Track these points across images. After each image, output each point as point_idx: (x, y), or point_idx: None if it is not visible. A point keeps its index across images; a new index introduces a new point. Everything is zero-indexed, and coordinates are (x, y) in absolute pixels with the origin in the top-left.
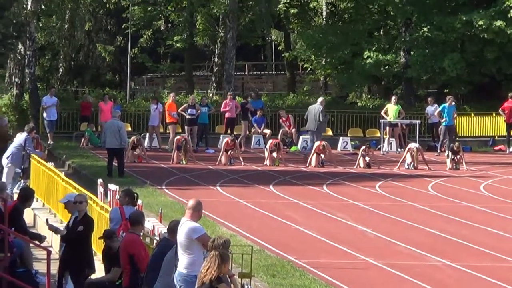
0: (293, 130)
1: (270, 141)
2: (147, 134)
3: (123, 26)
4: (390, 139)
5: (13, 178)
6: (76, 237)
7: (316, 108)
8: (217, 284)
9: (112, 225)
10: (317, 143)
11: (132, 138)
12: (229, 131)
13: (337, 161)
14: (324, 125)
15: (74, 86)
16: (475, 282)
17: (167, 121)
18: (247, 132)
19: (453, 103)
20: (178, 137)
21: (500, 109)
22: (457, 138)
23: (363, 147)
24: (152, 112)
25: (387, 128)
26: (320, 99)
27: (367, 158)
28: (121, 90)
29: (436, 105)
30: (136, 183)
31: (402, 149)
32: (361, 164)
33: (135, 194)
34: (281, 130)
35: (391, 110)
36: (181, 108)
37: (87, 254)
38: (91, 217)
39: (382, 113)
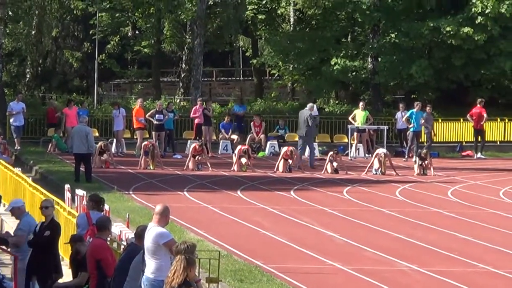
0: (262, 136)
1: (239, 147)
2: (114, 140)
3: (90, 32)
4: (358, 144)
5: None
6: (43, 242)
7: (304, 113)
8: None
9: (79, 231)
10: (284, 149)
11: (99, 143)
12: (198, 137)
13: (304, 166)
14: (314, 130)
15: (41, 91)
16: (443, 287)
17: (134, 126)
18: (211, 137)
19: (428, 109)
20: (145, 142)
21: (468, 115)
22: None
23: (331, 153)
24: (115, 117)
25: (355, 133)
26: (310, 104)
27: (334, 164)
28: (88, 95)
29: (406, 111)
30: (104, 188)
31: (370, 155)
32: (329, 170)
33: (101, 199)
34: (249, 136)
35: (359, 116)
36: (149, 113)
37: (54, 258)
38: (57, 222)
39: (350, 118)
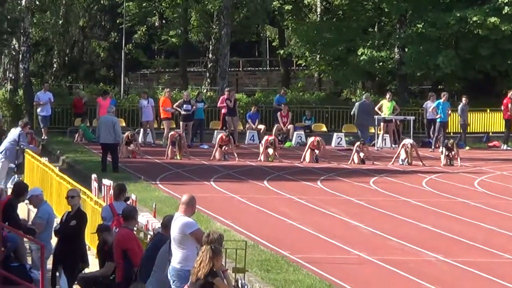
0: (290, 126)
1: (265, 137)
2: (141, 130)
3: (117, 22)
4: (384, 135)
5: (7, 173)
6: (69, 232)
7: (369, 104)
8: (212, 279)
9: (105, 223)
10: (311, 139)
11: (126, 133)
12: (224, 127)
13: (331, 157)
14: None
15: (68, 81)
16: (468, 277)
17: (161, 116)
18: (236, 127)
19: (464, 100)
20: (172, 132)
21: (503, 105)
22: (451, 134)
23: (358, 143)
24: (144, 107)
25: (382, 124)
26: (367, 94)
27: (361, 154)
28: (115, 85)
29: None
30: (130, 178)
31: (396, 145)
32: (356, 160)
33: (121, 189)
34: (275, 126)
35: (386, 106)
36: (176, 104)
37: (80, 248)
38: (84, 211)
39: (376, 108)
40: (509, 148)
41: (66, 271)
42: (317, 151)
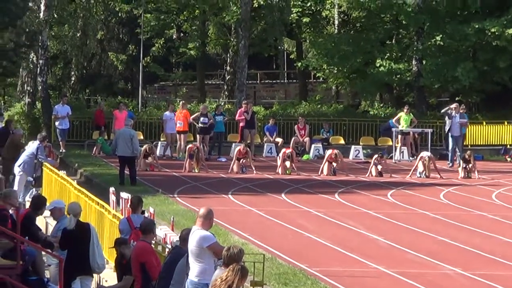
0: (307, 139)
1: (283, 150)
2: (159, 142)
3: (135, 31)
4: (402, 147)
5: (25, 186)
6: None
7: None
8: None
9: (122, 236)
10: (329, 152)
11: (144, 146)
12: (242, 140)
13: (349, 169)
14: None
15: (86, 94)
16: None
17: (177, 129)
18: (253, 140)
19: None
20: (190, 145)
21: None
22: (469, 147)
23: (376, 156)
24: (168, 120)
25: (399, 136)
26: (454, 105)
27: (379, 167)
28: (133, 98)
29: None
30: (148, 191)
31: (414, 158)
32: (373, 173)
33: (138, 201)
34: (293, 139)
35: (403, 119)
36: (193, 116)
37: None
38: (85, 222)
39: (394, 121)
40: None
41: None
42: (334, 164)
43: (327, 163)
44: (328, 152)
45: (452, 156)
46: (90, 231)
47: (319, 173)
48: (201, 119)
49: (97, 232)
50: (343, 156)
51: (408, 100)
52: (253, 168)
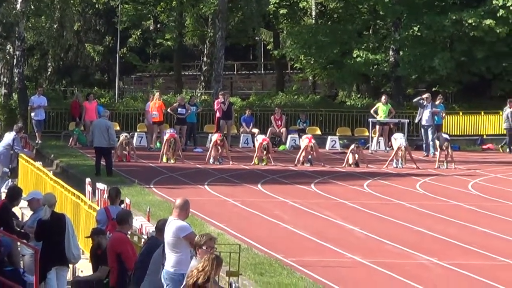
0: (283, 129)
1: (259, 140)
2: (135, 133)
3: (112, 22)
4: (380, 138)
5: (1, 177)
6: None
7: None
8: (207, 283)
9: (99, 227)
10: (305, 141)
11: (121, 138)
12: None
13: (325, 160)
14: None
15: (63, 85)
16: (463, 280)
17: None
18: (229, 131)
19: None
20: (167, 136)
21: None
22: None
23: (352, 146)
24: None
25: (377, 126)
26: (426, 95)
27: (356, 156)
28: (109, 89)
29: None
30: (125, 182)
31: (391, 148)
32: (350, 160)
33: (116, 193)
34: (269, 129)
35: (381, 109)
36: (171, 107)
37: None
38: (60, 213)
39: (372, 111)
40: None
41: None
42: (310, 155)
43: (304, 152)
44: (305, 142)
45: (428, 146)
46: (65, 221)
47: (296, 163)
48: (179, 109)
49: (72, 222)
50: (319, 147)
51: (385, 90)
52: (230, 159)
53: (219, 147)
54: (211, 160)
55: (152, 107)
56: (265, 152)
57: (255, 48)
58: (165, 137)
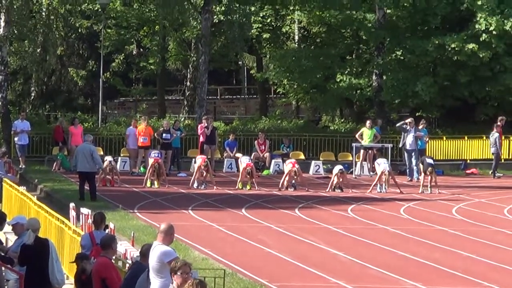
0: (267, 154)
1: (243, 165)
2: (119, 158)
3: (95, 47)
4: (363, 162)
5: None
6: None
7: None
8: None
9: (83, 251)
10: (289, 166)
11: (105, 163)
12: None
13: (309, 184)
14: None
15: (46, 110)
16: None
17: (139, 145)
18: (213, 156)
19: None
20: (152, 160)
21: None
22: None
23: (337, 171)
24: (132, 134)
25: (362, 151)
26: (409, 119)
27: (340, 179)
28: (93, 114)
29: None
30: (109, 207)
31: (374, 173)
32: (335, 181)
33: (101, 219)
34: (253, 154)
35: (366, 134)
36: (157, 132)
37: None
38: (43, 237)
39: (357, 136)
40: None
41: None
42: (294, 180)
43: (287, 176)
44: (288, 166)
45: (411, 170)
46: (49, 246)
47: (280, 188)
48: (163, 135)
49: (56, 247)
50: (303, 172)
51: (369, 115)
52: (214, 183)
53: (203, 171)
54: (195, 184)
55: (140, 132)
56: (248, 176)
57: (238, 72)
58: (150, 162)
